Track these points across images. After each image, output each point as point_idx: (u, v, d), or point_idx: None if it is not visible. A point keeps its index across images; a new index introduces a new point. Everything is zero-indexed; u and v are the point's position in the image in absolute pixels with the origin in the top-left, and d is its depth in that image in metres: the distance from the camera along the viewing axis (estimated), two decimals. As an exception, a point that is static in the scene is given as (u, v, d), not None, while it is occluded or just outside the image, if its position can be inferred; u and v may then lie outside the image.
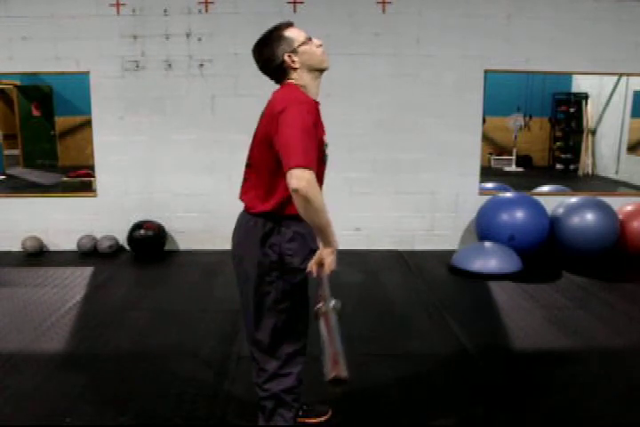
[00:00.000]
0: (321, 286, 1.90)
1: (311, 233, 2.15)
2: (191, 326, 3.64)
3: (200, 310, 3.95)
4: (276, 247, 2.03)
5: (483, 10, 5.26)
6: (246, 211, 2.11)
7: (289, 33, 2.03)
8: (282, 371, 2.12)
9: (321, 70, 2.08)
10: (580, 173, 9.68)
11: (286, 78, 2.06)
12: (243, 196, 2.13)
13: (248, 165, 2.11)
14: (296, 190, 1.75)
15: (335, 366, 1.62)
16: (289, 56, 2.01)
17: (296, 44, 2.02)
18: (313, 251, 2.14)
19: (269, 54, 2.02)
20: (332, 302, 1.81)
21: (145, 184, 5.45)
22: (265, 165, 2.01)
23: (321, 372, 1.61)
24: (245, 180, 2.12)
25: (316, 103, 2.03)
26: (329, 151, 2.10)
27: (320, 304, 1.81)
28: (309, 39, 2.06)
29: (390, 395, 2.76)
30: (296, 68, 2.03)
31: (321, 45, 2.07)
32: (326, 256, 1.95)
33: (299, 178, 1.74)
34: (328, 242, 1.94)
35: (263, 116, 2.03)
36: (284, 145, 1.84)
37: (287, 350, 2.13)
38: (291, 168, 1.76)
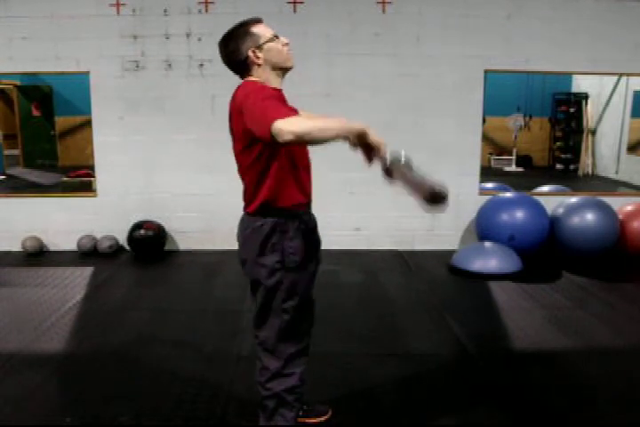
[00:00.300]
0: (382, 157, 1.86)
1: (313, 229, 2.17)
2: (191, 326, 3.64)
3: (200, 310, 3.95)
4: (279, 246, 2.03)
5: (483, 10, 5.26)
6: (246, 212, 2.13)
7: (256, 29, 2.04)
8: (284, 371, 2.12)
9: (285, 69, 2.08)
10: (580, 173, 9.68)
11: (249, 74, 2.06)
12: (244, 199, 2.14)
13: (238, 170, 2.12)
14: (290, 142, 1.72)
15: (425, 188, 1.75)
16: (253, 52, 2.02)
17: (262, 41, 2.02)
18: (315, 248, 2.15)
19: (234, 48, 2.03)
20: (402, 158, 1.85)
21: (145, 184, 5.45)
22: (248, 161, 2.02)
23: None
24: (244, 185, 2.13)
25: (279, 90, 2.05)
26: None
27: (387, 163, 1.82)
28: (276, 37, 2.06)
29: (390, 395, 2.75)
30: (260, 65, 2.04)
31: (287, 44, 2.07)
32: (369, 139, 1.84)
33: (279, 132, 1.70)
34: (356, 133, 1.81)
35: (230, 117, 2.03)
36: (252, 116, 1.82)
37: (290, 350, 2.13)
38: (269, 130, 1.72)
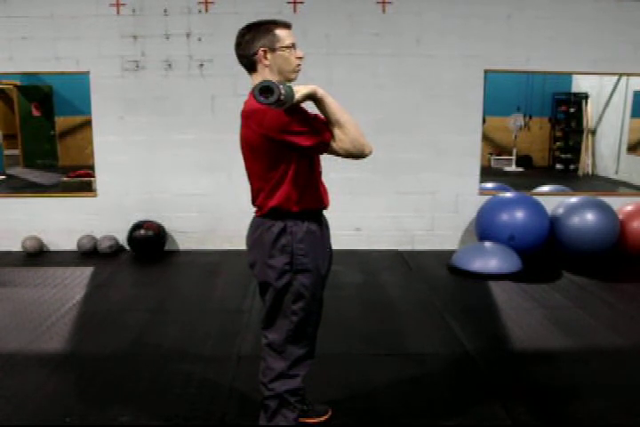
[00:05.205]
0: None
1: (324, 232, 2.16)
2: (191, 326, 3.64)
3: (200, 310, 3.95)
4: (288, 248, 2.03)
5: (483, 10, 5.26)
6: (257, 214, 2.13)
7: (279, 32, 2.02)
8: (289, 372, 2.12)
9: (287, 80, 2.04)
10: (580, 173, 9.68)
11: (255, 70, 2.05)
12: (254, 202, 2.13)
13: (249, 175, 2.12)
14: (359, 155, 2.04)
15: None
16: (264, 51, 2.00)
17: (277, 45, 2.00)
18: (327, 251, 2.15)
19: (249, 40, 2.01)
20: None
21: (145, 184, 5.45)
22: (263, 167, 2.02)
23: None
24: (252, 189, 2.13)
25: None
26: None
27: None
28: (294, 47, 2.04)
29: (390, 395, 2.75)
30: (267, 65, 2.02)
31: (301, 58, 2.06)
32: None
33: (370, 150, 2.05)
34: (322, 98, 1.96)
35: (247, 126, 2.01)
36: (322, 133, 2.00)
37: (298, 352, 2.13)
38: (366, 150, 2.04)
